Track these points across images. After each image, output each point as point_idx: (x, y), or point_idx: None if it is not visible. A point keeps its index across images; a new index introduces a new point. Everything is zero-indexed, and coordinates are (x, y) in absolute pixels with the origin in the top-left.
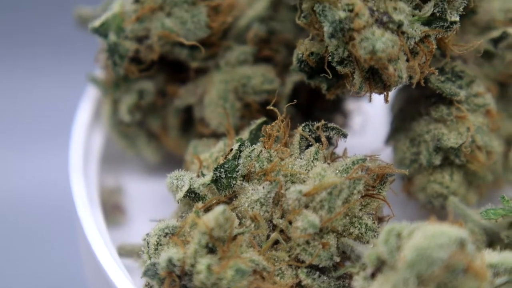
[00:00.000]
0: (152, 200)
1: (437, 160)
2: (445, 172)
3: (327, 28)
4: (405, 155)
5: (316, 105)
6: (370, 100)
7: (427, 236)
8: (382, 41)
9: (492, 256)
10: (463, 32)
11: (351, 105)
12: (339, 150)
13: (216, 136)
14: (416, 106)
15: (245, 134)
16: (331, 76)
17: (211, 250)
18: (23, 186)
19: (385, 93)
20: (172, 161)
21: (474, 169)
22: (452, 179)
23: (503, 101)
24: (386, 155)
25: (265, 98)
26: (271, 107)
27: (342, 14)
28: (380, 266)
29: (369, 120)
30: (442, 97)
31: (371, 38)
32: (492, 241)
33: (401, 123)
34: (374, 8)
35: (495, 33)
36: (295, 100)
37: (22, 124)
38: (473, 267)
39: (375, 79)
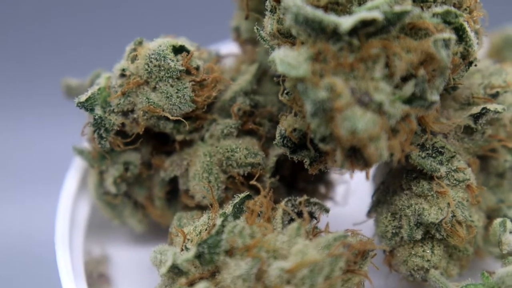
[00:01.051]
0: (138, 269)
1: (418, 235)
2: (426, 246)
3: (309, 108)
4: (386, 229)
5: (300, 176)
6: (352, 177)
7: None
8: (363, 121)
9: None
10: (444, 107)
11: (334, 175)
12: (322, 222)
13: (201, 208)
14: (398, 180)
15: (229, 208)
16: (313, 152)
17: None
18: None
19: (366, 169)
20: (158, 231)
21: (456, 243)
22: (433, 253)
23: (484, 174)
24: (368, 226)
25: (249, 171)
26: (255, 182)
27: (323, 94)
28: None
29: (352, 190)
30: (423, 172)
31: (353, 118)
32: None
33: (383, 196)
34: (356, 88)
35: (475, 110)
36: (278, 176)
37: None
38: None
39: (357, 156)
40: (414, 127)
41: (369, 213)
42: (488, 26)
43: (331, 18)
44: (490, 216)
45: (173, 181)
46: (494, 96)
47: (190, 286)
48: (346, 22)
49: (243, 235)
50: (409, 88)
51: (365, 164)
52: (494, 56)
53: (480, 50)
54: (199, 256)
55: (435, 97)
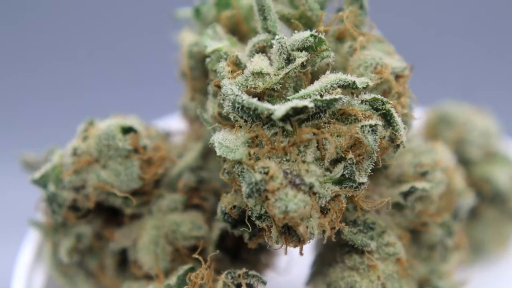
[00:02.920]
0: None
1: None
2: None
3: (244, 189)
4: None
5: (243, 247)
6: (286, 253)
7: None
8: (294, 202)
9: None
10: (376, 185)
11: (277, 245)
12: None
13: (149, 278)
14: (333, 253)
15: (173, 279)
16: (251, 229)
17: None
18: None
19: (299, 246)
20: None
21: None
22: None
23: (416, 246)
24: None
25: (194, 243)
26: (197, 256)
27: (258, 177)
28: None
29: (295, 260)
30: (354, 247)
31: (285, 199)
32: None
33: (320, 267)
34: (288, 171)
35: (404, 187)
36: (217, 251)
37: None
38: None
39: (291, 233)
40: (343, 206)
41: (307, 284)
42: (424, 103)
43: (265, 106)
44: (422, 286)
45: (123, 252)
46: (424, 174)
47: None
48: (279, 110)
49: None
50: (338, 171)
51: (298, 240)
52: (430, 131)
53: (416, 126)
54: None
55: (363, 179)
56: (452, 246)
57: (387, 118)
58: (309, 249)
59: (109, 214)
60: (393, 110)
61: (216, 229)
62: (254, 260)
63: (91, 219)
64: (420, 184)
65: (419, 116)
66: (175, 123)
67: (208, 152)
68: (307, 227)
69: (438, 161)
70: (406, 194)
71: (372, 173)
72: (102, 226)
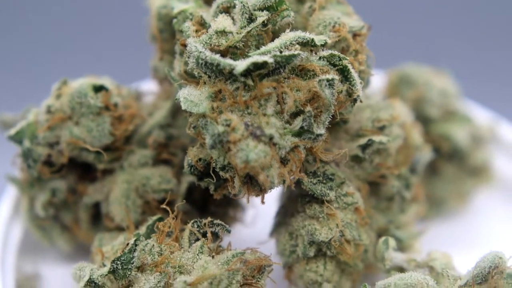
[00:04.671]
0: (66, 285)
1: (311, 252)
2: (319, 262)
3: (208, 140)
4: (285, 247)
5: (211, 200)
6: (248, 202)
7: None
8: (255, 152)
9: None
10: (336, 139)
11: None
12: (235, 242)
13: (120, 229)
14: (295, 203)
15: (142, 229)
16: (215, 179)
17: None
18: None
19: (261, 195)
20: (85, 251)
21: (345, 259)
22: (325, 268)
23: (375, 198)
24: (272, 245)
25: (163, 196)
26: (165, 206)
27: (220, 129)
28: None
29: (260, 213)
30: (315, 196)
31: (246, 149)
32: None
33: (283, 218)
34: (249, 123)
35: (362, 141)
36: (183, 201)
37: None
38: None
39: (253, 183)
40: (302, 156)
41: (271, 234)
42: (386, 65)
43: (227, 62)
44: (381, 235)
45: (97, 206)
46: (381, 128)
47: None
48: (240, 65)
49: (152, 252)
50: (297, 123)
51: (260, 190)
52: (392, 92)
53: (377, 87)
54: (113, 271)
55: (320, 130)
56: (410, 198)
57: (344, 74)
58: (274, 202)
59: (82, 170)
60: (350, 66)
61: (184, 183)
62: (222, 213)
63: (66, 175)
64: (377, 138)
65: (381, 79)
66: (149, 86)
67: (177, 110)
68: (267, 176)
69: (395, 117)
70: (364, 147)
71: (330, 126)
72: (76, 181)
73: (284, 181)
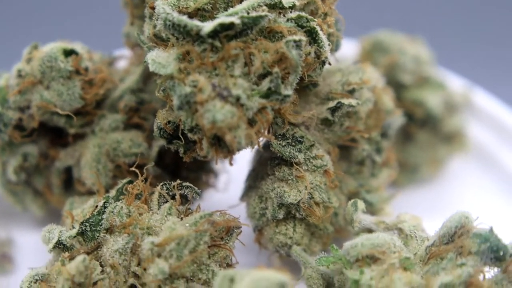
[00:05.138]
0: (39, 250)
1: (280, 214)
2: (288, 224)
3: (175, 102)
4: (255, 210)
5: (183, 165)
6: (216, 163)
7: (253, 281)
8: (221, 112)
9: None
10: (306, 102)
11: (217, 165)
12: (207, 207)
13: (92, 193)
14: (265, 167)
15: (113, 192)
16: (184, 141)
17: None
18: None
19: (229, 157)
20: (58, 216)
21: (314, 222)
22: (295, 231)
23: (346, 162)
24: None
25: (134, 160)
26: (134, 169)
27: (187, 89)
28: None
29: (233, 178)
30: (284, 159)
31: (212, 110)
32: (328, 284)
33: (253, 181)
34: (216, 84)
35: (332, 103)
36: (152, 163)
37: None
38: None
39: (221, 145)
40: (270, 118)
41: (242, 197)
42: (360, 32)
43: (194, 23)
44: (351, 199)
45: (69, 171)
46: (351, 92)
47: (71, 259)
48: (207, 26)
49: (121, 214)
50: (265, 84)
51: (228, 151)
52: (365, 59)
53: (351, 53)
54: (82, 233)
55: (288, 91)
56: (381, 163)
57: (312, 35)
58: (246, 167)
59: (54, 135)
60: (318, 28)
61: (155, 147)
62: (194, 177)
63: (37, 139)
64: (347, 100)
65: (356, 47)
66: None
67: (149, 75)
68: (234, 137)
69: (365, 80)
70: (333, 110)
71: (300, 89)
72: (48, 146)
73: (252, 142)
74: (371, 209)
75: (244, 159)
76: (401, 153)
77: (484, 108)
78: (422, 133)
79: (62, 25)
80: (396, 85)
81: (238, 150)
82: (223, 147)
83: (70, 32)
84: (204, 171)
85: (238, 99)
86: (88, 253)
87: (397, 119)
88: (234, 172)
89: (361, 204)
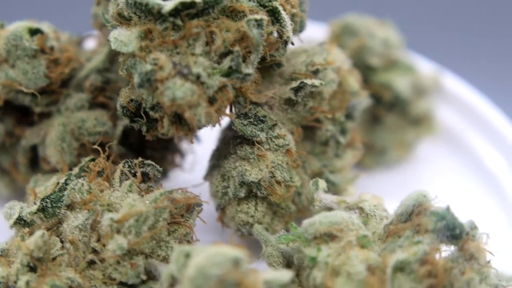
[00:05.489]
0: (5, 226)
1: (241, 193)
2: (250, 203)
3: (136, 79)
4: (217, 189)
5: (148, 144)
6: (176, 141)
7: (207, 256)
8: (181, 90)
9: (268, 274)
10: (270, 82)
11: (184, 145)
12: (173, 186)
13: (57, 171)
14: (228, 146)
15: (76, 170)
16: (146, 120)
17: (32, 269)
18: None
19: (190, 135)
20: (24, 193)
21: (275, 200)
22: (256, 210)
23: (310, 142)
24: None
25: (98, 139)
26: (97, 147)
27: (148, 67)
28: (172, 283)
29: (199, 159)
30: (246, 138)
31: (172, 87)
32: (289, 262)
33: (216, 161)
34: (177, 62)
35: (295, 83)
36: (115, 141)
37: None
38: (245, 282)
39: (181, 122)
40: (230, 96)
41: (205, 177)
42: (330, 16)
43: (155, 1)
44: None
45: (34, 150)
46: (315, 72)
47: (31, 235)
48: (168, 5)
49: (82, 191)
50: (226, 63)
51: (188, 129)
52: (334, 42)
53: (321, 37)
54: (43, 209)
55: (249, 70)
56: (346, 144)
57: (274, 15)
58: (212, 148)
59: (20, 114)
60: (280, 8)
61: (119, 126)
62: (159, 157)
63: (3, 118)
64: (309, 81)
65: (325, 31)
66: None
67: (115, 55)
68: (194, 115)
69: (330, 61)
70: (296, 90)
71: (264, 69)
72: (14, 124)
73: (212, 120)
74: (335, 189)
75: (211, 139)
76: (369, 136)
77: (453, 92)
78: (390, 116)
79: (37, 7)
80: (365, 68)
81: (198, 128)
82: (184, 125)
83: (46, 15)
84: (170, 151)
85: (198, 77)
86: (48, 229)
87: (362, 101)
88: (201, 153)
89: (322, 183)
